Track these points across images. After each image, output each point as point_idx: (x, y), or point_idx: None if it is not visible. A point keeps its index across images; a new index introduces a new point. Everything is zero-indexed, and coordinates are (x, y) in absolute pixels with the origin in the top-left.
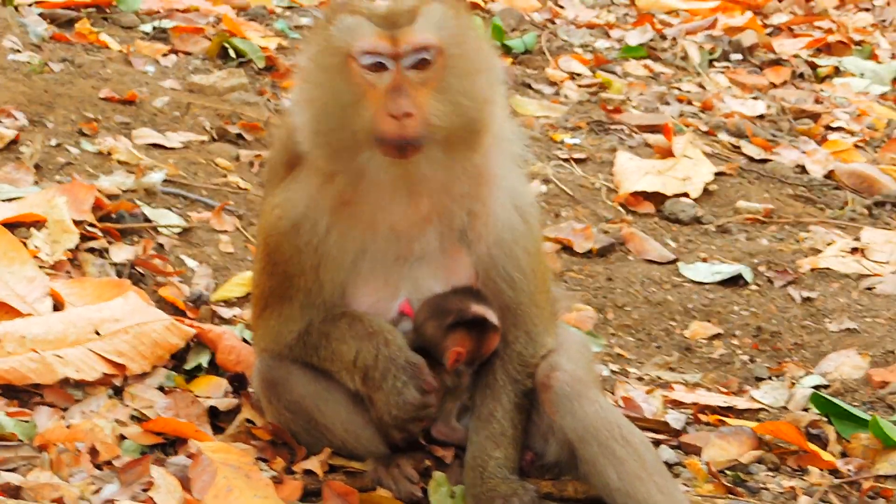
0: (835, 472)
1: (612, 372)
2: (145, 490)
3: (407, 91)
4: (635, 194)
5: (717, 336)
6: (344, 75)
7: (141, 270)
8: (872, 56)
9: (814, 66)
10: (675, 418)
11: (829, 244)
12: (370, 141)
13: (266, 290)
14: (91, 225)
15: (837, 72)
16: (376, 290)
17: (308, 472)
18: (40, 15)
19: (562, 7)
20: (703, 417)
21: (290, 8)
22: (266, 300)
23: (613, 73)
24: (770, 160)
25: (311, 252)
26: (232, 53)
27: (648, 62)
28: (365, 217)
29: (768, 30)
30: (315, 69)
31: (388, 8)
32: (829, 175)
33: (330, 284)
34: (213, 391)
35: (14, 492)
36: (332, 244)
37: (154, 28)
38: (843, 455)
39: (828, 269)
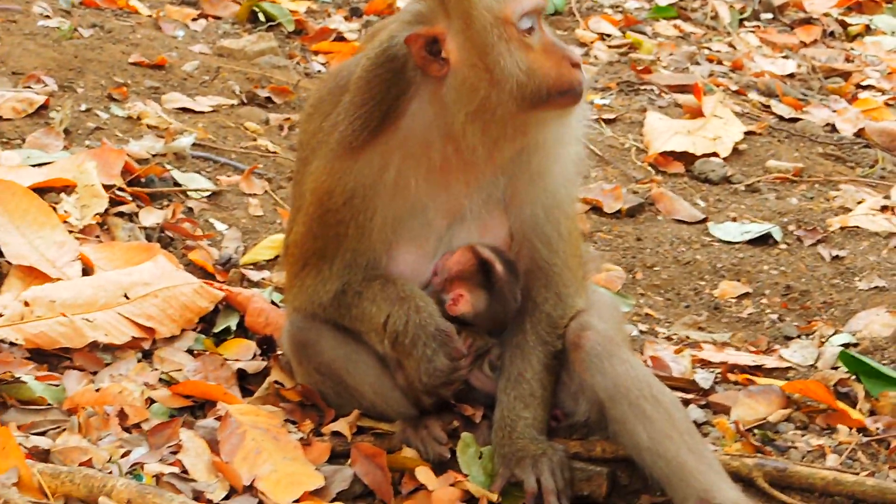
0: (863, 430)
1: (641, 332)
2: (174, 453)
3: None
4: (665, 154)
5: (746, 295)
6: (504, 44)
7: (170, 234)
8: None
9: (844, 25)
10: (703, 378)
11: (858, 203)
12: (550, 99)
13: (308, 251)
14: (121, 189)
15: (868, 30)
16: (417, 249)
17: (336, 434)
18: None
19: None
20: (731, 377)
21: None
22: (306, 260)
23: (643, 33)
24: (800, 119)
25: (377, 214)
26: (261, 17)
27: (678, 22)
28: (441, 178)
29: None
30: (466, 47)
31: None
32: (860, 133)
33: (379, 245)
34: (242, 354)
35: (43, 455)
36: (399, 206)
37: None
38: (872, 413)
39: (857, 227)
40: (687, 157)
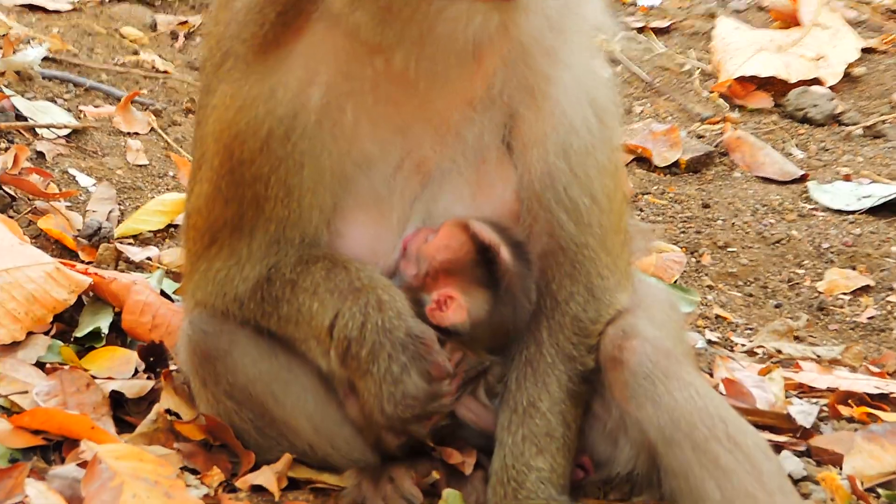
0: None
1: (711, 342)
2: None
3: None
4: (743, 80)
5: (865, 290)
6: None
7: (11, 191)
8: None
9: None
10: (802, 411)
11: None
12: None
13: (217, 221)
14: None
15: None
16: (374, 219)
17: (258, 489)
18: None
19: None
20: (844, 410)
21: None
22: (214, 233)
23: None
24: None
25: (307, 163)
26: None
27: None
28: (392, 111)
29: None
30: None
31: None
32: None
33: (315, 212)
34: (118, 369)
35: None
36: (335, 149)
37: None
38: None
39: None
40: (777, 86)
